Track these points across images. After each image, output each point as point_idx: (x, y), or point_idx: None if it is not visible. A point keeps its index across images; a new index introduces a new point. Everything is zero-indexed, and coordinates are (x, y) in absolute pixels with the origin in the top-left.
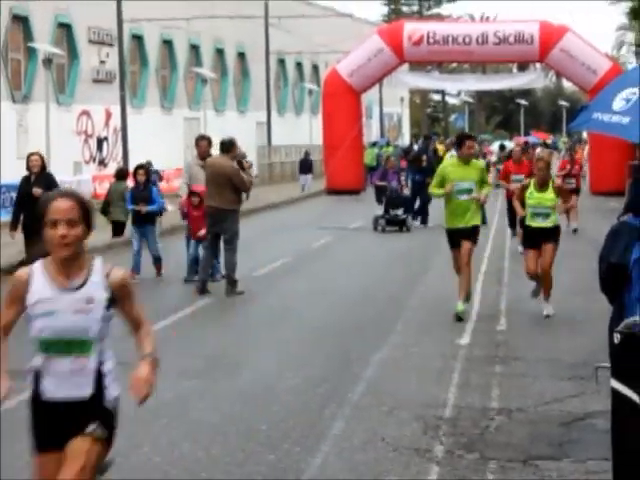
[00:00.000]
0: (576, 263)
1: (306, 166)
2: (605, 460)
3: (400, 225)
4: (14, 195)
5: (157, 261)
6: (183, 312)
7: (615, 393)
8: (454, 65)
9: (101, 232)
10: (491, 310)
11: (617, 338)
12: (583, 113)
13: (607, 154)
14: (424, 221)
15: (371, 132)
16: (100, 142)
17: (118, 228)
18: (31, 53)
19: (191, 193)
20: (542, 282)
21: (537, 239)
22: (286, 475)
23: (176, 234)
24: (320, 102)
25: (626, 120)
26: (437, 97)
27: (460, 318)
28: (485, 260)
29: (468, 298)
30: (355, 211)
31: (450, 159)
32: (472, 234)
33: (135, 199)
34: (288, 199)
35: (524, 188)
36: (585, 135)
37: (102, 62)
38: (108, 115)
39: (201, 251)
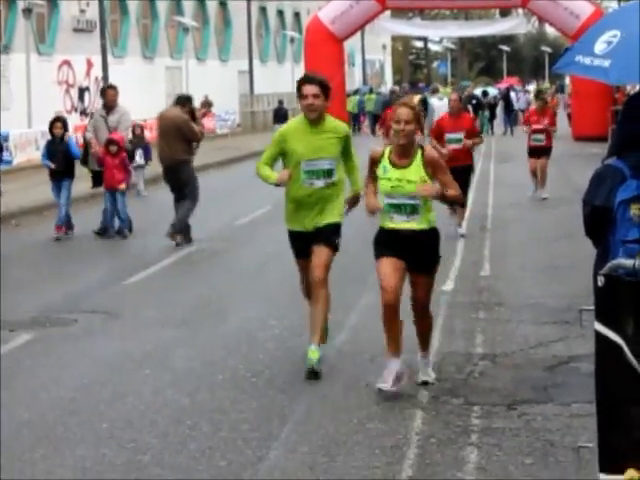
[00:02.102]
0: (559, 208)
1: (280, 115)
2: (589, 403)
3: None
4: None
5: (61, 220)
6: (165, 261)
7: (599, 336)
8: (436, 12)
9: (82, 182)
10: (475, 256)
11: (601, 281)
12: (566, 55)
13: (589, 100)
14: None
15: (354, 79)
16: (82, 92)
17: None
18: (11, 3)
19: (109, 141)
20: (420, 335)
21: (399, 248)
22: (271, 422)
23: (151, 187)
24: (302, 50)
25: (607, 63)
26: (419, 44)
27: (314, 373)
28: (468, 206)
29: (325, 336)
30: None
31: (295, 119)
32: (330, 236)
33: (51, 153)
34: None
35: (374, 162)
36: (567, 81)
37: (82, 11)
38: (89, 65)
39: (118, 203)
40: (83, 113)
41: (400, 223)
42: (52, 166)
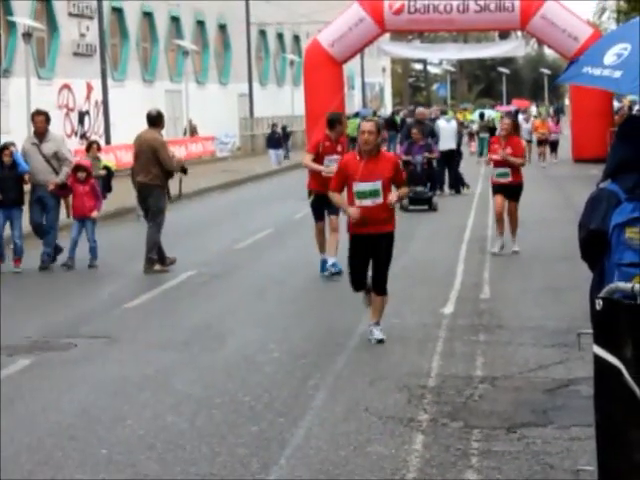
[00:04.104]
0: (558, 230)
1: (274, 140)
2: (589, 426)
3: (427, 203)
4: None
5: (18, 252)
6: (165, 285)
7: (597, 359)
8: (435, 34)
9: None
10: (474, 279)
11: (599, 304)
12: (572, 67)
13: (589, 121)
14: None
15: (353, 103)
16: (82, 116)
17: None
18: (11, 27)
19: (77, 167)
20: None
21: None
22: (270, 446)
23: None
24: (302, 73)
25: (618, 74)
26: (419, 67)
27: None
28: (468, 228)
29: None
30: None
31: None
32: None
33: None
34: (271, 171)
35: None
36: (567, 102)
37: (82, 35)
38: (89, 89)
39: (84, 233)
40: (83, 137)
41: None
42: None
